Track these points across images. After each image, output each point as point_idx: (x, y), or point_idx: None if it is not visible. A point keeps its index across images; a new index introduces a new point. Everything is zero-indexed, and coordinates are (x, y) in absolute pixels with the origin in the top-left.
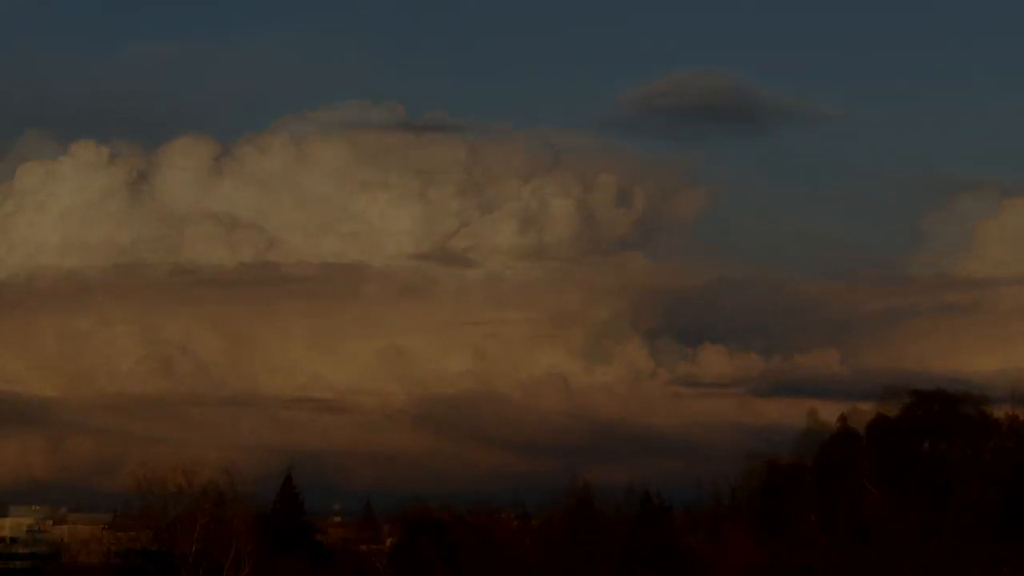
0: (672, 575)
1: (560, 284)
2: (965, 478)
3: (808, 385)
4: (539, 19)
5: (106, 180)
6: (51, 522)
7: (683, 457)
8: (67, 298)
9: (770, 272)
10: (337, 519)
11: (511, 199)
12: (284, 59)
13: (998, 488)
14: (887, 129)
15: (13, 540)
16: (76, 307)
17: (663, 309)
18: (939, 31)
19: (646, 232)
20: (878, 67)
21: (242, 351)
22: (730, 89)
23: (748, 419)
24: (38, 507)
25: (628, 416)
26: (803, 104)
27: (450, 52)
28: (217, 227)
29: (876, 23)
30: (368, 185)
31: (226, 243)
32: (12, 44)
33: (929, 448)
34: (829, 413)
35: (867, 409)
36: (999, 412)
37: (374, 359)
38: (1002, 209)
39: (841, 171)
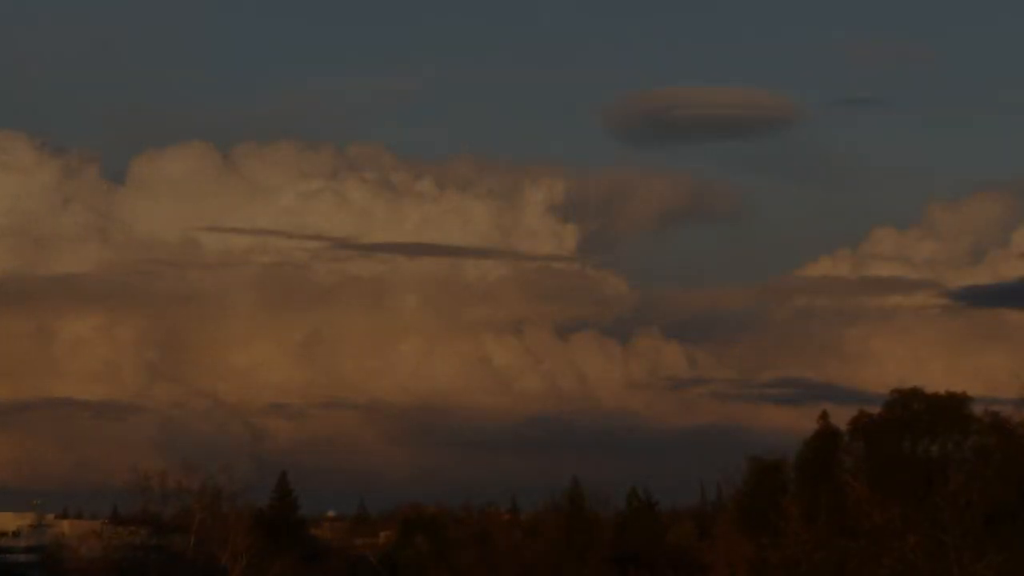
0: (660, 571)
1: (557, 285)
2: (947, 474)
3: (820, 390)
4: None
5: None
6: (53, 516)
7: (687, 460)
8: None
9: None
10: (331, 514)
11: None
12: None
13: (979, 484)
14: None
15: (15, 534)
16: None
17: (665, 311)
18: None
19: (647, 234)
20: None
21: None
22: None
23: (759, 423)
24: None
25: (631, 417)
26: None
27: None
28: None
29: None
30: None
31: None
32: None
33: (911, 444)
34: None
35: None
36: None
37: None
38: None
39: (849, 173)
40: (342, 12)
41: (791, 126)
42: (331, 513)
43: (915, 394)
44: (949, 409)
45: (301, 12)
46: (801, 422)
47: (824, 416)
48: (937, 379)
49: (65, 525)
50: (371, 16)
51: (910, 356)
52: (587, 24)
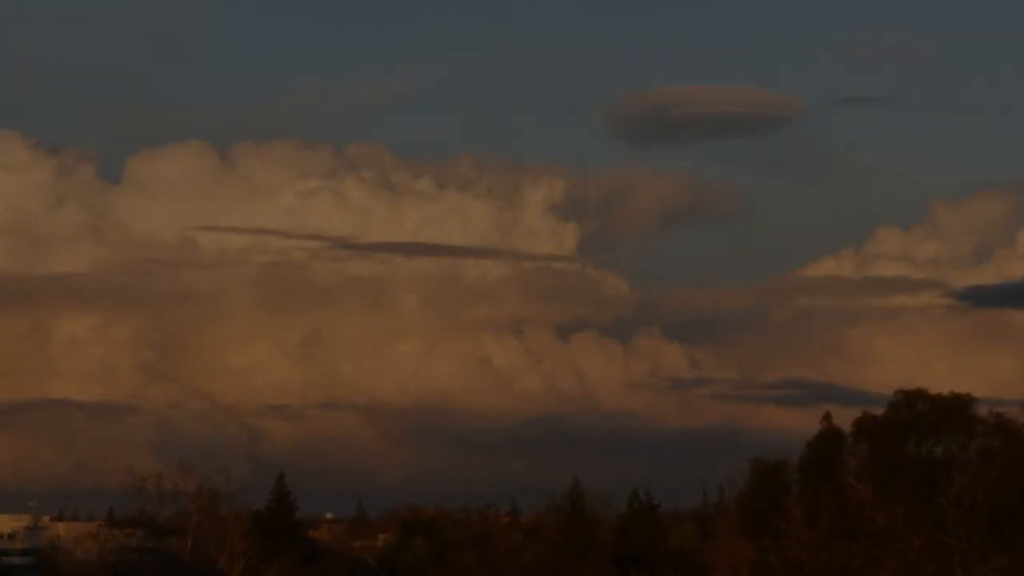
0: (662, 573)
1: (557, 285)
2: (951, 475)
3: (822, 390)
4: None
5: None
6: (48, 518)
7: (689, 461)
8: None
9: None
10: (330, 516)
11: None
12: None
13: (984, 485)
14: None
15: (11, 536)
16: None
17: (666, 311)
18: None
19: (648, 234)
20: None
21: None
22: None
23: (761, 424)
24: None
25: (631, 418)
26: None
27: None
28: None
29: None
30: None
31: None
32: None
33: (915, 446)
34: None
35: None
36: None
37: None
38: None
39: (849, 173)
40: (342, 12)
41: (791, 125)
42: (329, 515)
43: (919, 395)
44: (953, 410)
45: (301, 12)
46: (803, 423)
47: (827, 417)
48: (941, 380)
49: (61, 527)
50: (371, 16)
51: (914, 356)
52: (587, 24)
